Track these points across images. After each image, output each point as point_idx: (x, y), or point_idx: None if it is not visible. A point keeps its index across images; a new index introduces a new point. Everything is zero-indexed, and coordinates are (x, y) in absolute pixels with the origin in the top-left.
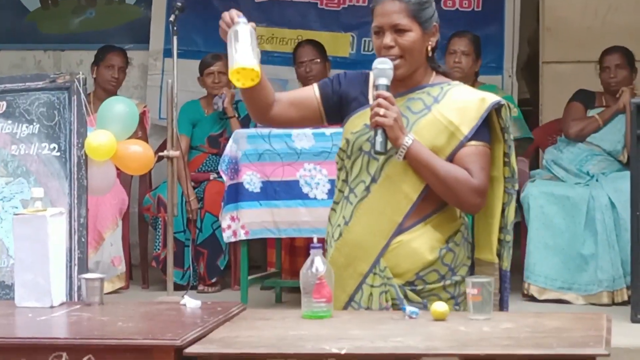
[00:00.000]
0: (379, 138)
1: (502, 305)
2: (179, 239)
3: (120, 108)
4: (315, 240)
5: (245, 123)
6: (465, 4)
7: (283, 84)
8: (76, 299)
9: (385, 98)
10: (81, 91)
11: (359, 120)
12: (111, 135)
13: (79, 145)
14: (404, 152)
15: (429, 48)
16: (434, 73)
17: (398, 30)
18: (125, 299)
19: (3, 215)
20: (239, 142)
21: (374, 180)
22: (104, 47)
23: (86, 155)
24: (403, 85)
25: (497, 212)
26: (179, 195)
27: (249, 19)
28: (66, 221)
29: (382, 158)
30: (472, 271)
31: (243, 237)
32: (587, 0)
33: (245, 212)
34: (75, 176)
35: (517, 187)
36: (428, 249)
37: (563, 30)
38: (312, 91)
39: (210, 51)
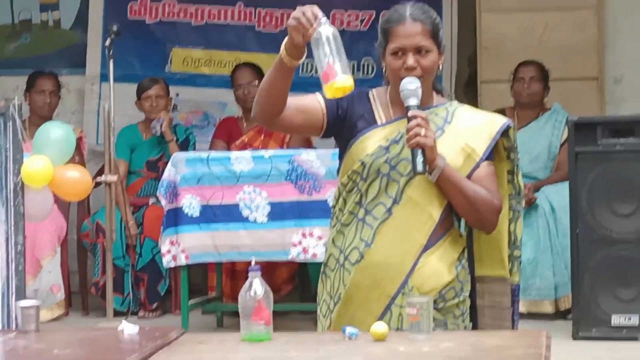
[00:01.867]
0: (420, 158)
1: (513, 319)
2: (118, 264)
3: (56, 133)
4: (253, 262)
5: (183, 146)
6: None
7: (222, 106)
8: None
9: (423, 119)
10: (16, 117)
11: (371, 142)
12: (48, 161)
13: (15, 171)
14: (438, 173)
15: (440, 68)
16: (434, 93)
17: (420, 51)
18: (64, 327)
19: None
20: (177, 166)
21: (395, 202)
22: (34, 73)
23: (22, 182)
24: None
25: (504, 229)
26: (117, 220)
27: (187, 42)
28: (3, 249)
29: (402, 180)
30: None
31: (183, 262)
32: (523, 19)
33: (185, 237)
34: (12, 203)
35: (523, 204)
36: (447, 267)
37: (500, 49)
38: (317, 101)
39: (147, 75)
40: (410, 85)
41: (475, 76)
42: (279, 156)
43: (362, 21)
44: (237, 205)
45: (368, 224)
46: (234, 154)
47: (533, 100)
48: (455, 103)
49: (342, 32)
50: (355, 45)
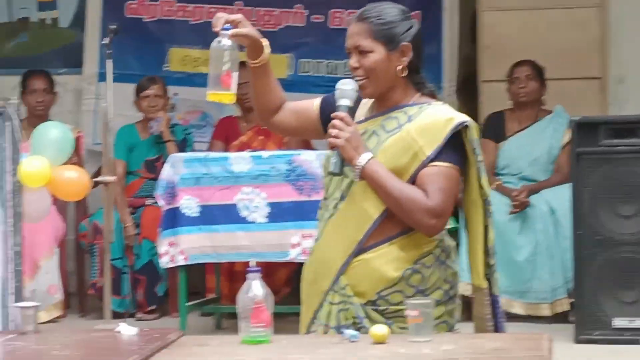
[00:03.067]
0: (333, 159)
1: (496, 329)
2: (116, 265)
3: (54, 133)
4: (252, 264)
5: (182, 147)
6: None
7: (220, 106)
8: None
9: (340, 119)
10: (14, 117)
11: None
12: (45, 161)
13: (13, 172)
14: (358, 171)
15: (399, 68)
16: (418, 94)
17: (361, 51)
18: (62, 328)
19: None
20: (175, 167)
21: (342, 198)
22: (26, 73)
23: (20, 182)
24: (383, 105)
25: (479, 237)
26: (115, 221)
27: (186, 41)
28: (1, 250)
29: (350, 177)
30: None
31: (182, 263)
32: (525, 18)
33: (184, 238)
34: (10, 204)
35: (490, 210)
36: (390, 268)
37: (501, 49)
38: (312, 103)
39: (145, 74)
40: (344, 86)
41: (470, 76)
42: (278, 156)
43: None
44: (235, 206)
45: (323, 220)
46: (233, 155)
47: (531, 100)
48: (436, 103)
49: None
50: None
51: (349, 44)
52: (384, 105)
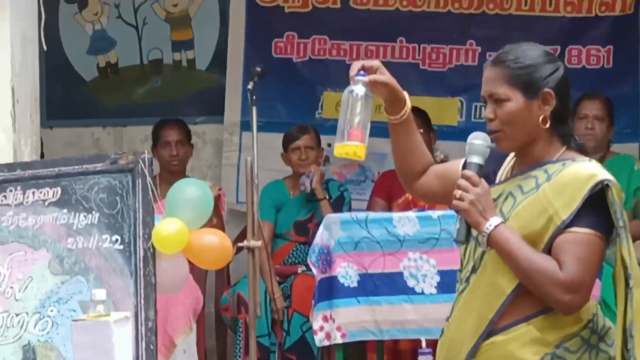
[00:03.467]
0: (457, 224)
1: None
2: (263, 343)
3: (191, 192)
4: (423, 343)
5: (337, 206)
6: (593, 60)
7: (381, 158)
8: None
9: (467, 178)
10: (147, 173)
11: None
12: (182, 224)
13: (146, 236)
14: (484, 239)
15: (541, 118)
16: (564, 148)
17: (496, 100)
18: None
19: (59, 319)
20: (331, 229)
21: (474, 270)
22: (158, 122)
23: (154, 248)
24: (523, 162)
25: (620, 316)
26: (262, 292)
27: (341, 84)
28: (132, 326)
29: (484, 245)
30: None
31: (339, 340)
32: None
33: (341, 311)
34: (142, 273)
35: (631, 284)
36: (527, 352)
37: None
38: (458, 164)
39: (294, 123)
40: (474, 140)
41: None
42: (450, 216)
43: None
44: (401, 274)
45: (456, 294)
46: (397, 215)
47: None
48: (582, 160)
49: None
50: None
51: (483, 91)
52: (525, 162)
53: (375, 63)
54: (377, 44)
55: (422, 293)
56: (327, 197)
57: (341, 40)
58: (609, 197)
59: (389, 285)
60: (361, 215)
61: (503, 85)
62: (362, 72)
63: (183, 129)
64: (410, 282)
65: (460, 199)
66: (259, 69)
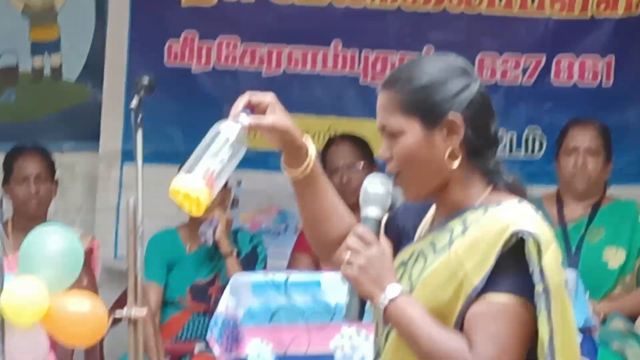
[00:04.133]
0: (346, 297)
1: None
2: None
3: (54, 242)
4: None
5: (249, 264)
6: (588, 75)
7: None
8: None
9: (359, 236)
10: None
11: None
12: (41, 286)
13: None
14: (379, 314)
15: (448, 153)
16: (489, 188)
17: (390, 134)
18: None
19: None
20: (239, 294)
21: (377, 354)
22: (10, 151)
23: (2, 319)
24: (443, 210)
25: None
26: None
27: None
28: None
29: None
30: None
31: None
32: None
33: None
34: None
35: None
36: None
37: None
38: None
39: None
40: (370, 185)
41: None
42: None
43: (524, 70)
44: (331, 357)
45: None
46: (327, 276)
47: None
48: (508, 203)
49: (495, 88)
50: (513, 107)
51: (377, 122)
52: (444, 210)
53: (267, 99)
54: (304, 49)
55: None
56: (236, 252)
57: (257, 43)
58: (526, 252)
59: None
60: (280, 276)
61: (395, 114)
62: (246, 109)
63: (44, 159)
64: None
65: (349, 262)
66: (146, 82)
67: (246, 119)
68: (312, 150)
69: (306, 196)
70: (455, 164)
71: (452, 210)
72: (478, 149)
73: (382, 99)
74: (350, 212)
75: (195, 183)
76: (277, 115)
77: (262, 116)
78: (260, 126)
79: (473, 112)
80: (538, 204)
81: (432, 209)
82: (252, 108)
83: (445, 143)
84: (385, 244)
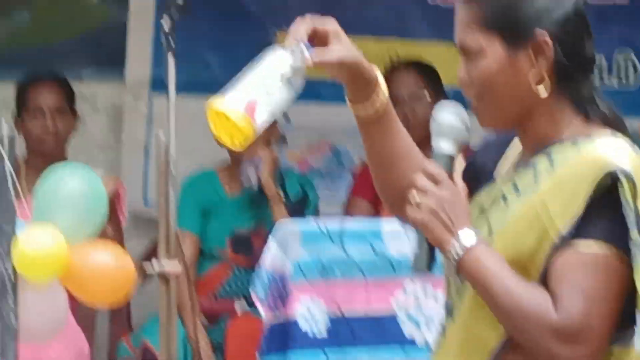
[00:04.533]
0: (414, 246)
1: None
2: None
3: (73, 185)
4: None
5: (298, 210)
6: None
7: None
8: None
9: (428, 175)
10: (4, 156)
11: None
12: (58, 235)
13: (2, 254)
14: (454, 265)
15: (534, 78)
16: (579, 118)
17: (468, 54)
18: None
19: None
20: (287, 245)
21: (449, 313)
22: (24, 81)
23: (15, 272)
24: (526, 145)
25: None
26: (180, 339)
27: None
28: None
29: (459, 282)
30: None
31: None
32: None
33: None
34: None
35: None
36: None
37: None
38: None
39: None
40: (441, 114)
41: None
42: None
43: None
44: (393, 317)
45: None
46: (388, 225)
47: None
48: (601, 136)
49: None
50: (604, 28)
51: (455, 41)
52: (527, 145)
53: (330, 25)
54: None
55: (426, 344)
56: (283, 196)
57: None
58: (620, 194)
59: (375, 332)
60: (333, 224)
61: (475, 31)
62: (306, 43)
63: (63, 89)
64: (407, 328)
65: (417, 205)
66: (179, 0)
67: (307, 53)
68: (383, 85)
69: (375, 136)
70: (544, 91)
71: (537, 145)
72: (570, 74)
73: (461, 13)
74: (422, 157)
75: (236, 104)
76: (343, 47)
77: (326, 50)
78: (326, 63)
79: (565, 30)
80: (635, 138)
81: (516, 145)
82: (313, 40)
83: (530, 66)
84: (454, 185)
